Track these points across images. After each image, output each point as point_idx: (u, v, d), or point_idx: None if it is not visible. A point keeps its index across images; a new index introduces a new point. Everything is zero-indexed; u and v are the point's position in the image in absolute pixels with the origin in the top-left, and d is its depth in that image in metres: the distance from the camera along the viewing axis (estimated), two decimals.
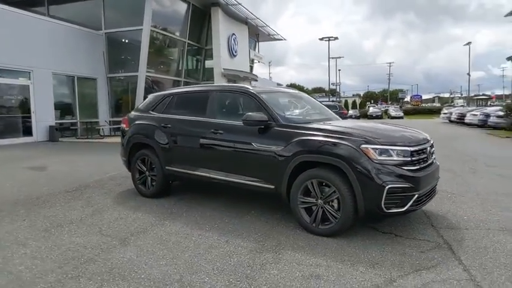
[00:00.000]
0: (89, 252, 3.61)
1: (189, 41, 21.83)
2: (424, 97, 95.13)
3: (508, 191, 5.95)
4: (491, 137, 16.24)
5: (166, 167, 5.38)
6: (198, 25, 23.21)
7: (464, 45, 55.72)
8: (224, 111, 5.09)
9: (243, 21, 26.39)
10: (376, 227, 4.20)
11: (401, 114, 49.45)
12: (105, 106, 18.29)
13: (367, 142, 3.78)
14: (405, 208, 3.73)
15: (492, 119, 20.16)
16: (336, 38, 51.76)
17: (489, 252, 3.49)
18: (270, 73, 68.50)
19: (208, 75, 24.70)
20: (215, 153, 4.86)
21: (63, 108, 16.32)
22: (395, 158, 3.74)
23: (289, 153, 4.12)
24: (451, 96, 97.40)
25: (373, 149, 3.73)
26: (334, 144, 3.88)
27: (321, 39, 51.76)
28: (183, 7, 21.13)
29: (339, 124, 4.51)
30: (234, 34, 24.72)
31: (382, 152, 3.73)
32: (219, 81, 23.09)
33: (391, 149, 3.76)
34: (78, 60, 16.63)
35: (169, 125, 5.38)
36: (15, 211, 5.03)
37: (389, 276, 3.06)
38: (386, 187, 3.62)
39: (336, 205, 3.92)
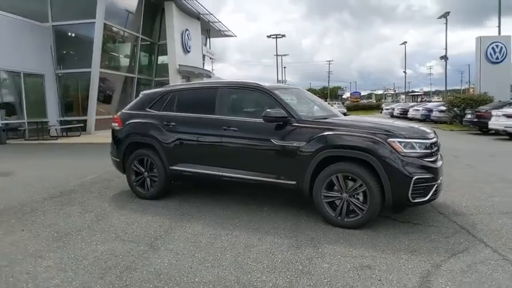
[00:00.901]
0: (122, 259, 3.39)
1: (142, 36, 21.00)
2: (346, 95, 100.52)
3: (484, 179, 6.55)
4: (437, 130, 17.64)
5: (171, 167, 5.17)
6: (150, 19, 22.40)
7: (400, 44, 59.74)
8: (235, 108, 5.01)
9: (196, 16, 25.92)
10: (393, 217, 4.41)
11: (345, 110, 51.72)
12: (54, 105, 16.99)
13: (393, 136, 3.97)
14: (427, 197, 3.97)
15: (434, 114, 21.90)
16: (283, 36, 52.85)
17: (504, 234, 3.84)
18: (212, 69, 67.71)
19: (161, 71, 23.99)
20: (228, 152, 4.77)
21: (8, 108, 14.90)
22: (418, 150, 3.97)
23: (313, 149, 4.18)
24: (385, 92, 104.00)
25: (398, 142, 3.92)
26: (362, 138, 4.01)
27: (269, 36, 52.49)
28: (135, 0, 20.24)
29: (354, 119, 4.66)
30: (187, 30, 24.20)
31: (406, 145, 3.93)
32: (174, 78, 22.52)
33: (414, 142, 3.98)
34: (24, 55, 15.26)
35: (173, 123, 5.17)
36: (3, 221, 4.55)
37: (432, 261, 3.25)
38: (413, 178, 3.83)
39: (361, 198, 4.07)
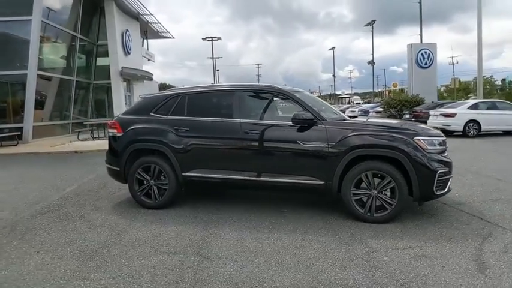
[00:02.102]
0: (184, 272, 3.22)
1: (80, 36, 19.56)
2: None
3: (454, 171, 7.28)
4: None
5: (184, 174, 4.98)
6: (89, 18, 20.98)
7: (329, 49, 63.14)
8: (254, 112, 4.98)
9: (135, 16, 24.88)
10: (405, 211, 4.74)
11: None
12: None
13: (418, 134, 4.29)
14: (446, 189, 4.37)
15: (371, 115, 23.60)
16: (219, 39, 52.84)
17: (510, 218, 4.36)
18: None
19: (100, 74, 22.58)
20: (252, 156, 4.74)
21: None
22: (437, 147, 4.34)
23: (342, 149, 4.35)
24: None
25: (423, 139, 4.26)
26: (391, 137, 4.28)
27: (204, 39, 52.07)
28: None
29: (368, 121, 4.93)
30: (127, 30, 23.12)
31: (429, 142, 4.28)
32: (116, 81, 21.35)
33: (434, 139, 4.35)
34: None
35: (186, 128, 4.98)
36: (4, 244, 4.01)
37: (472, 245, 3.60)
38: (437, 172, 4.19)
39: (388, 193, 4.33)
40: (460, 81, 35.84)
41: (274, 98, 5.04)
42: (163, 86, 41.53)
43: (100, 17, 21.62)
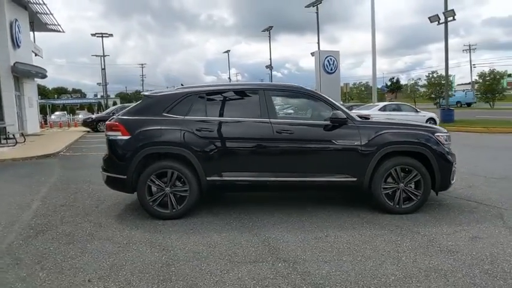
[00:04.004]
0: (291, 279, 3.05)
1: None
2: None
3: None
4: None
5: (208, 178, 4.63)
6: None
7: (224, 52, 63.81)
8: (282, 111, 4.91)
9: (23, 5, 21.62)
10: None
11: None
12: None
13: (437, 131, 4.82)
14: (454, 180, 4.98)
15: None
16: (111, 35, 49.08)
17: (507, 201, 5.15)
18: None
19: None
20: (284, 156, 4.67)
21: None
22: (448, 142, 4.93)
23: (375, 146, 4.62)
24: None
25: (441, 135, 4.80)
26: (417, 134, 4.70)
27: (93, 34, 47.72)
28: None
29: (388, 119, 5.31)
30: (17, 20, 19.97)
31: (444, 138, 4.84)
32: (6, 78, 18.19)
33: (446, 135, 4.93)
34: None
35: (209, 129, 4.65)
36: (31, 274, 3.21)
37: (505, 225, 4.21)
38: (454, 164, 4.77)
39: (413, 186, 4.76)
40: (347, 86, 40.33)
41: (300, 98, 5.05)
42: (62, 91, 36.71)
43: None
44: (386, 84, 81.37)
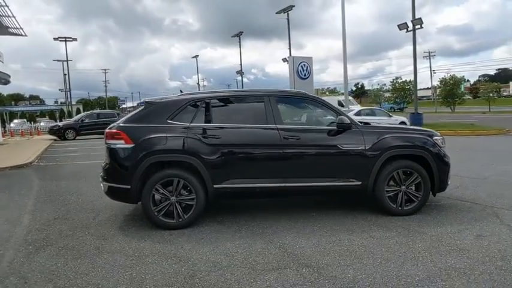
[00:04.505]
0: (325, 284, 3.07)
1: None
2: (131, 105, 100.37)
3: None
4: None
5: (216, 186, 4.58)
6: None
7: (192, 57, 63.39)
8: (287, 117, 4.94)
9: None
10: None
11: None
12: None
13: (434, 134, 5.02)
14: (450, 181, 5.20)
15: None
16: (75, 40, 47.40)
17: (506, 203, 5.42)
18: None
19: None
20: (292, 161, 4.70)
21: None
22: (444, 144, 5.15)
23: (378, 150, 4.75)
24: None
25: (438, 138, 5.01)
26: (417, 138, 4.89)
27: (56, 38, 45.93)
28: None
29: (389, 125, 5.45)
30: None
31: (441, 141, 5.05)
32: None
33: (441, 138, 5.15)
34: None
35: (216, 136, 4.61)
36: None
37: (496, 222, 4.44)
38: (449, 166, 4.99)
39: (413, 188, 4.92)
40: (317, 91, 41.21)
41: (303, 104, 5.11)
42: (18, 97, 34.89)
43: None
44: (352, 90, 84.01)
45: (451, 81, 45.45)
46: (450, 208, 5.16)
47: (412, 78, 33.21)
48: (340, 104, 33.80)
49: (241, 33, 44.13)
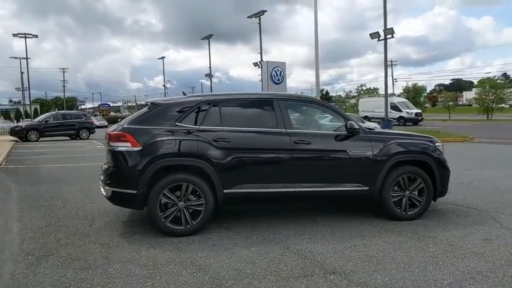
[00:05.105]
0: None
1: None
2: (90, 106, 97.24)
3: None
4: None
5: (226, 191, 4.46)
6: None
7: (159, 59, 61.85)
8: (296, 121, 4.89)
9: None
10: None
11: (106, 123, 47.89)
12: None
13: (436, 141, 5.17)
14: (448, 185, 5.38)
15: None
16: (35, 36, 45.10)
17: (500, 207, 5.61)
18: None
19: None
20: (303, 166, 4.67)
21: None
22: (443, 151, 5.32)
23: (385, 156, 4.83)
24: (124, 105, 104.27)
25: (439, 145, 5.17)
26: (422, 145, 5.01)
27: (16, 34, 43.46)
28: None
29: (393, 130, 5.56)
30: None
31: (441, 147, 5.22)
32: None
33: (441, 145, 5.31)
34: None
35: (227, 139, 4.48)
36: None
37: (496, 226, 4.63)
38: (450, 172, 5.16)
39: (416, 193, 5.04)
40: None
41: (312, 108, 5.10)
42: None
43: None
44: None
45: (413, 90, 47.56)
46: (448, 213, 5.32)
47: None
48: (395, 107, 34.31)
49: (210, 35, 43.79)
